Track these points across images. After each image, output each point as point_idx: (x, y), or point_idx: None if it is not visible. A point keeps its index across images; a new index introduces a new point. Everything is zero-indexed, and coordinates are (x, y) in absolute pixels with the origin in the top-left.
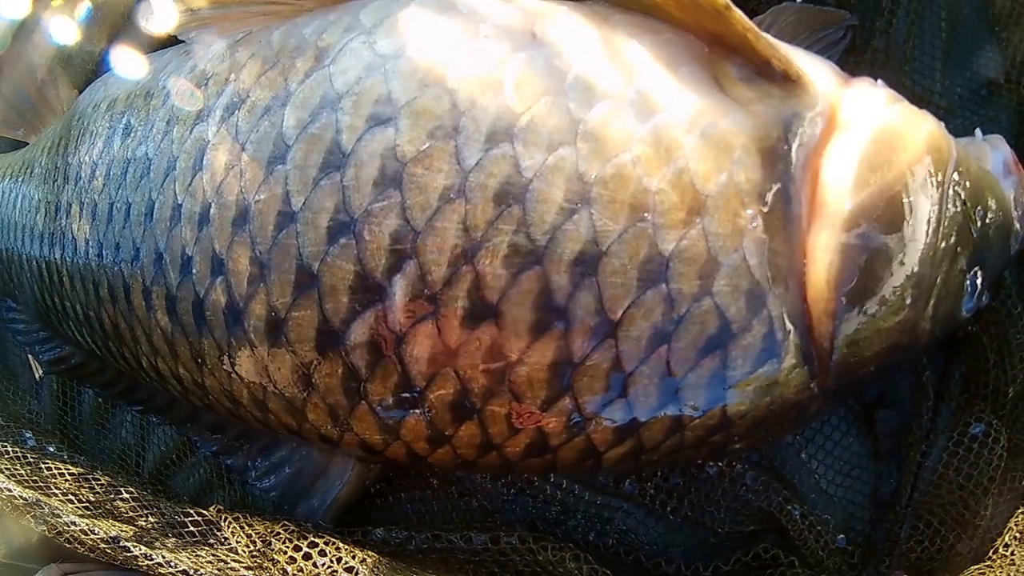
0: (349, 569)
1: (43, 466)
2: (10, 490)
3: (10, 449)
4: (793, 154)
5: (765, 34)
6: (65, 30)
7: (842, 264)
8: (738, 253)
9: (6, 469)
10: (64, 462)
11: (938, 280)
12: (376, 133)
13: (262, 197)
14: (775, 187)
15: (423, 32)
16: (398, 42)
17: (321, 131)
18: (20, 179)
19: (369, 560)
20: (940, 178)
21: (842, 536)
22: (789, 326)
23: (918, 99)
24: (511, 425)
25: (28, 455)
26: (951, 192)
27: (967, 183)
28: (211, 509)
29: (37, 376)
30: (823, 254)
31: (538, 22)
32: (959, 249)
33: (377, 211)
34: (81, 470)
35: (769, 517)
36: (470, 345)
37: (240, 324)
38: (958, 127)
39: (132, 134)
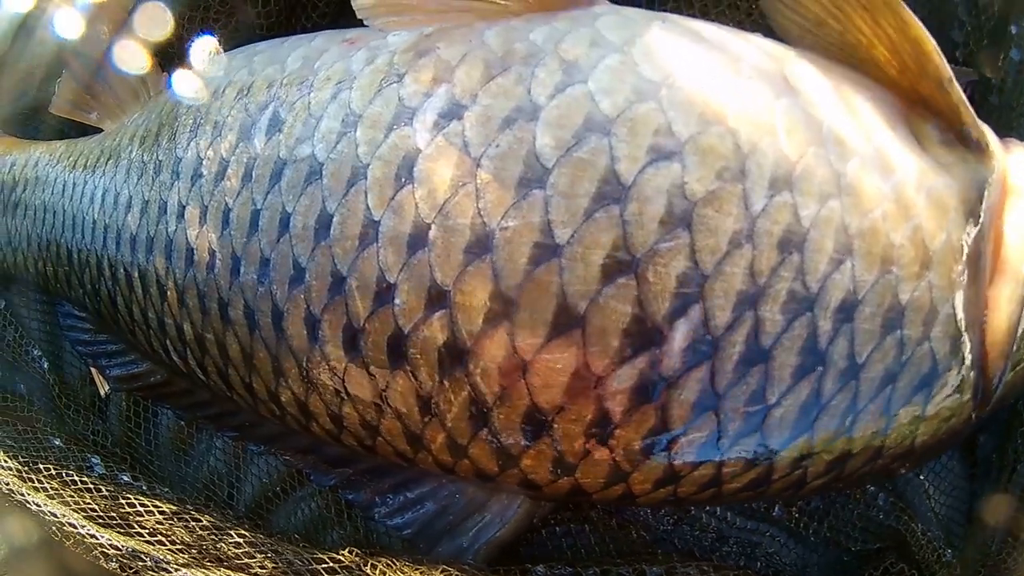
0: None
1: (122, 499)
2: (95, 536)
3: (76, 478)
4: (983, 215)
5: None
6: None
7: (1021, 313)
8: (949, 303)
9: (74, 501)
10: (144, 494)
11: None
12: (660, 167)
13: (512, 224)
14: (973, 245)
15: (687, 61)
16: (663, 69)
17: (591, 157)
18: (98, 170)
19: None
20: None
21: (949, 551)
22: (972, 366)
23: None
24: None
25: (100, 485)
26: None
27: None
28: (345, 553)
29: (103, 392)
30: (1006, 304)
31: (786, 66)
32: None
33: (664, 251)
34: (172, 506)
35: (895, 534)
36: (738, 390)
37: (465, 367)
38: None
39: (284, 130)
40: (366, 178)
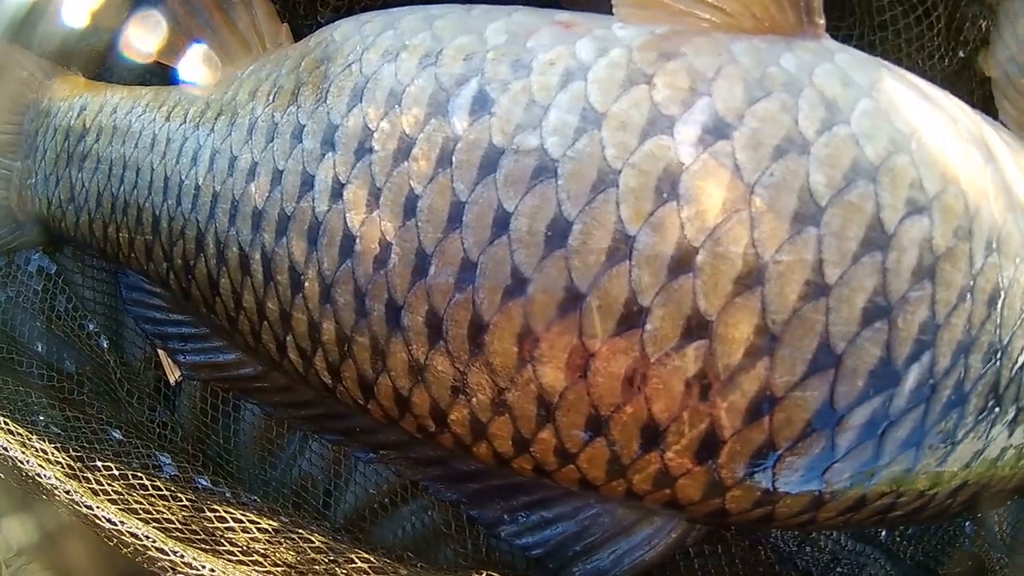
0: None
1: (207, 510)
2: (177, 556)
3: (145, 480)
4: None
5: None
6: None
7: None
8: None
9: (144, 510)
10: (229, 502)
11: None
12: (915, 220)
13: (786, 259)
14: None
15: (924, 118)
16: (909, 123)
17: (860, 202)
18: (203, 126)
19: None
20: None
21: None
22: None
23: None
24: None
25: (175, 490)
26: None
27: None
28: None
29: (172, 380)
30: None
31: (984, 132)
32: None
33: (912, 300)
34: (272, 522)
35: (975, 559)
36: (936, 430)
37: (712, 401)
38: None
39: (496, 112)
40: (617, 186)
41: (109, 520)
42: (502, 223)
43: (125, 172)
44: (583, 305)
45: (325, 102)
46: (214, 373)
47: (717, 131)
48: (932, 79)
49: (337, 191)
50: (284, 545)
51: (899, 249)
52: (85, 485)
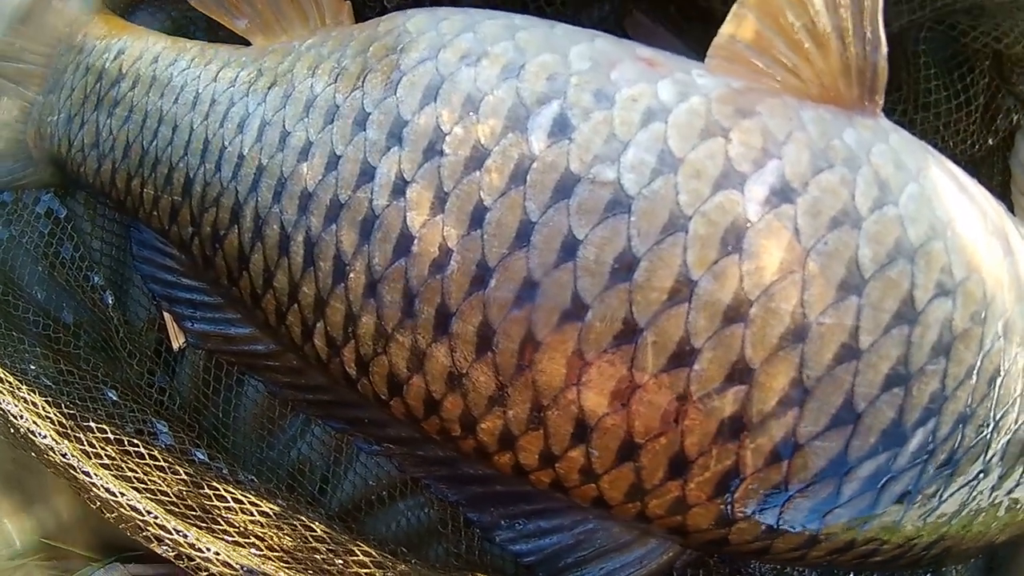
0: None
1: (206, 486)
2: (178, 534)
3: (142, 448)
4: None
5: None
6: None
7: None
8: None
9: (140, 480)
10: (226, 480)
11: None
12: (940, 301)
13: (827, 321)
14: None
15: (960, 209)
16: (947, 212)
17: (898, 279)
18: (254, 94)
19: None
20: None
21: None
22: None
23: None
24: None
25: (173, 462)
26: None
27: None
28: None
29: (176, 345)
30: None
31: (1006, 227)
32: None
33: (928, 372)
34: (274, 506)
35: None
36: (928, 489)
37: (741, 441)
38: None
39: (575, 139)
40: (686, 231)
41: (108, 490)
42: (570, 249)
43: (160, 127)
44: (639, 339)
45: (395, 94)
46: (222, 345)
47: (783, 194)
48: (960, 161)
49: (399, 188)
50: (285, 531)
51: (924, 325)
52: (77, 446)
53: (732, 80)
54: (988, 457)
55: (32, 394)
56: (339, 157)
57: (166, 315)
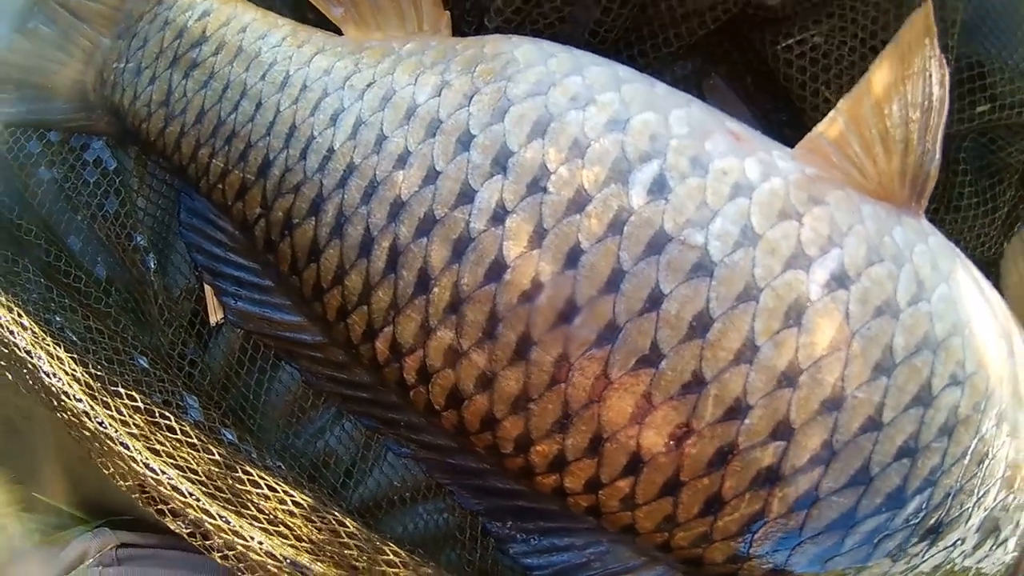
0: None
1: (239, 469)
2: (237, 531)
3: (174, 421)
4: None
5: None
6: None
7: None
8: None
9: (168, 455)
10: (255, 464)
11: None
12: (952, 390)
13: (860, 396)
14: None
15: (977, 311)
16: (967, 312)
17: (921, 367)
18: (351, 89)
19: None
20: None
21: None
22: None
23: None
24: None
25: (206, 441)
26: None
27: None
28: None
29: (213, 320)
30: None
31: (1011, 329)
32: None
33: (932, 448)
34: (308, 498)
35: None
36: (915, 549)
37: (772, 491)
38: None
39: (670, 200)
40: (757, 301)
41: (148, 466)
42: (655, 301)
43: (242, 100)
44: (702, 390)
45: (502, 122)
46: (264, 327)
47: (840, 280)
48: (975, 260)
49: (499, 216)
50: (315, 523)
51: (936, 409)
52: (107, 412)
53: (806, 166)
54: (967, 527)
55: (58, 348)
56: (439, 173)
57: (207, 288)
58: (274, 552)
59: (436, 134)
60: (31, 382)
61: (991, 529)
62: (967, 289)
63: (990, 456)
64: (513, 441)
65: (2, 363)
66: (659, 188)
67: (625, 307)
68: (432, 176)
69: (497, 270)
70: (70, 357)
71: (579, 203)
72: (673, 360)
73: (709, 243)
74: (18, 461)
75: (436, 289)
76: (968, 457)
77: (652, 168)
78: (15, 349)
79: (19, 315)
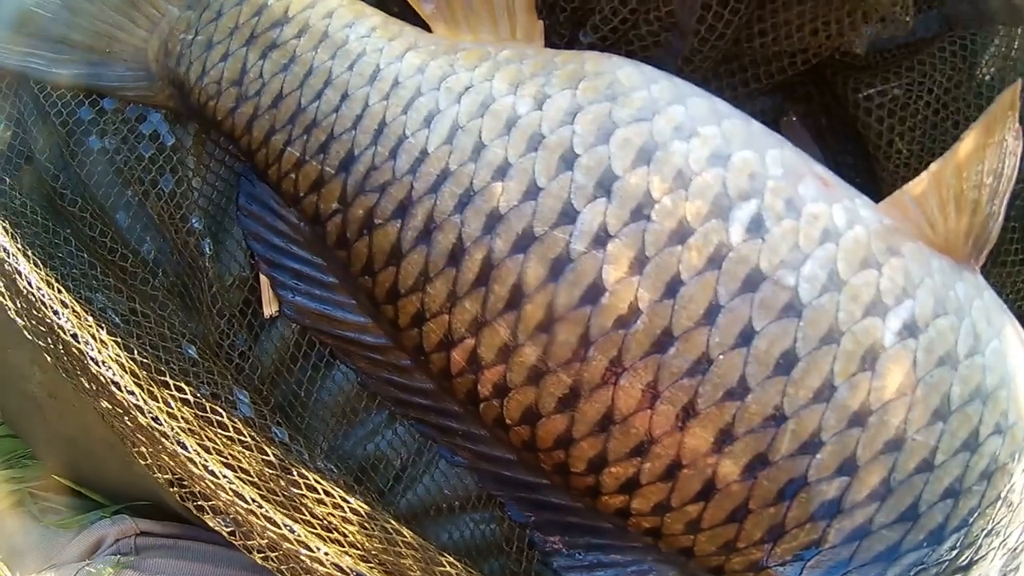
0: None
1: (294, 471)
2: (304, 541)
3: (225, 417)
4: None
5: None
6: None
7: None
8: None
9: (218, 452)
10: (307, 466)
11: None
12: (995, 438)
13: (918, 439)
14: None
15: (1021, 365)
16: (1012, 368)
17: (972, 415)
18: (446, 92)
19: None
20: None
21: None
22: None
23: None
24: None
25: (260, 440)
26: None
27: None
28: None
29: (268, 313)
30: None
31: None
32: None
33: (972, 491)
34: (365, 505)
35: None
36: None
37: (841, 523)
38: None
39: (767, 240)
40: (838, 344)
41: (209, 470)
42: (746, 337)
43: (326, 89)
44: (783, 424)
45: (607, 144)
46: (324, 325)
47: (910, 330)
48: (1014, 311)
49: (601, 239)
50: (371, 530)
51: (980, 455)
52: (156, 405)
53: (884, 217)
54: (991, 566)
55: (100, 331)
56: (540, 189)
57: (262, 278)
58: (340, 563)
59: (538, 149)
60: (74, 367)
61: (1012, 570)
62: (1013, 344)
63: (1020, 501)
64: (587, 461)
65: (40, 343)
66: (756, 227)
67: (719, 340)
68: (533, 191)
69: (595, 293)
70: (114, 341)
71: (681, 234)
72: (759, 394)
73: (800, 285)
74: (37, 440)
75: (528, 307)
76: (999, 501)
77: (751, 207)
78: (61, 332)
79: (59, 291)
